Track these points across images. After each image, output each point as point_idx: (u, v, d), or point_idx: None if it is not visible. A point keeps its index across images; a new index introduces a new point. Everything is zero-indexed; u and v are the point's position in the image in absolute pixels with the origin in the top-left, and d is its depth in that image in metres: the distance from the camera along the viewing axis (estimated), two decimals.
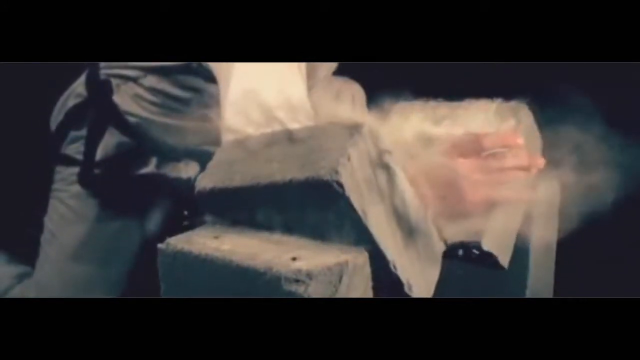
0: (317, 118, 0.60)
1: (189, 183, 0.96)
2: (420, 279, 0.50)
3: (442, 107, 0.65)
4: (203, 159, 0.59)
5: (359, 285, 0.45)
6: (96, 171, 0.96)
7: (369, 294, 0.46)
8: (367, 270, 0.46)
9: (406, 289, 0.48)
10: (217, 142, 0.60)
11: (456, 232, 0.55)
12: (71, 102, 0.99)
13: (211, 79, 0.71)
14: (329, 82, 1.01)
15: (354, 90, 1.09)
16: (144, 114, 0.94)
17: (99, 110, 0.96)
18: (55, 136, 1.01)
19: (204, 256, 0.46)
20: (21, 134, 1.18)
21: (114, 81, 0.95)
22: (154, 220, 0.99)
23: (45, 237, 1.02)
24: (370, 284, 0.46)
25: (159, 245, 0.49)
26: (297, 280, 0.41)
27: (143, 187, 0.98)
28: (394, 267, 0.47)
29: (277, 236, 0.49)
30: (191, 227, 0.53)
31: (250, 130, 0.57)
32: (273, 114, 0.57)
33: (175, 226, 0.82)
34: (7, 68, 0.93)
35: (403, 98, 0.65)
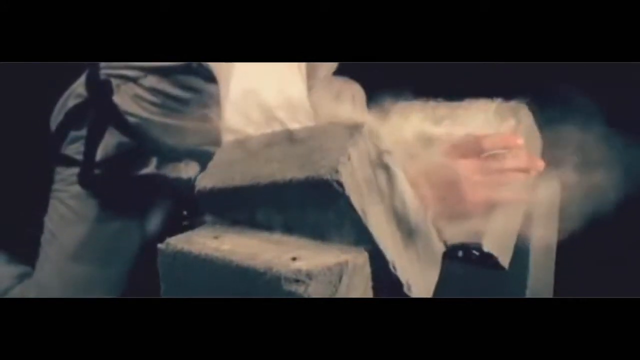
0: (317, 118, 0.60)
1: (189, 183, 0.96)
2: (419, 280, 0.50)
3: (442, 107, 0.65)
4: (203, 159, 0.59)
5: (359, 285, 0.45)
6: (96, 171, 0.96)
7: (369, 294, 0.46)
8: (367, 270, 0.46)
9: (405, 289, 0.48)
10: (217, 142, 0.60)
11: (456, 233, 0.55)
12: (71, 102, 0.99)
13: (211, 79, 0.71)
14: (329, 82, 1.01)
15: (354, 90, 1.09)
16: (144, 114, 0.94)
17: (99, 110, 0.96)
18: (55, 136, 1.01)
19: (204, 256, 0.46)
20: (21, 134, 1.18)
21: (114, 81, 0.95)
22: (154, 221, 1.00)
23: (45, 237, 1.02)
24: (370, 284, 0.46)
25: (159, 245, 0.49)
26: (297, 280, 0.41)
27: (143, 187, 0.98)
28: (394, 267, 0.47)
29: (277, 236, 0.49)
30: (191, 227, 0.53)
31: (250, 130, 0.57)
32: (273, 114, 0.57)
33: (175, 226, 0.82)
34: (7, 68, 0.93)
35: (403, 98, 0.65)
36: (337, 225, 0.46)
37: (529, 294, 0.66)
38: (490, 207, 0.55)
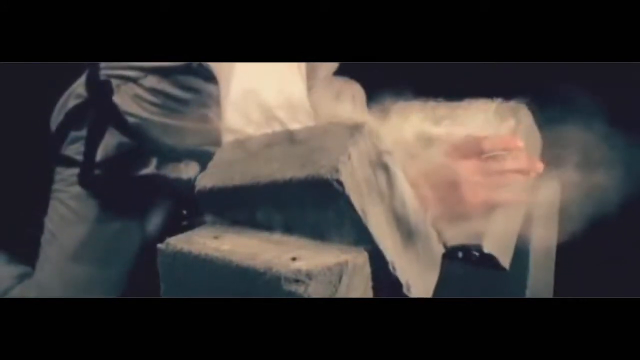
0: (317, 118, 0.60)
1: (189, 184, 0.96)
2: (419, 281, 0.50)
3: (441, 107, 0.65)
4: (203, 159, 0.59)
5: (359, 285, 0.45)
6: (96, 172, 0.96)
7: (369, 294, 0.46)
8: (367, 270, 0.46)
9: (405, 290, 0.48)
10: (217, 142, 0.60)
11: (456, 235, 0.55)
12: (71, 103, 0.99)
13: (211, 79, 0.71)
14: (329, 82, 1.01)
15: (354, 90, 1.09)
16: (144, 114, 0.94)
17: (99, 110, 0.96)
18: (55, 137, 1.01)
19: (203, 256, 0.46)
20: (21, 134, 1.18)
21: (114, 82, 0.95)
22: (154, 221, 1.00)
23: (45, 238, 1.02)
24: (370, 284, 0.46)
25: (159, 245, 0.49)
26: (297, 280, 0.41)
27: (143, 187, 0.98)
28: (393, 267, 0.47)
29: (277, 236, 0.49)
30: (191, 227, 0.53)
31: (251, 131, 0.57)
32: (273, 114, 0.57)
33: (175, 226, 0.82)
34: (7, 68, 0.93)
35: (403, 98, 0.65)
36: (337, 225, 0.46)
37: (529, 294, 0.66)
38: (490, 208, 0.55)
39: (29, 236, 1.05)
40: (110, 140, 0.96)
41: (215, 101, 0.65)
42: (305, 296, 0.41)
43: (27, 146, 1.17)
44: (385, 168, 0.49)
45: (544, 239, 0.66)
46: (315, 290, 0.41)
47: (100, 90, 0.95)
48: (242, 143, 0.55)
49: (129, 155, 0.96)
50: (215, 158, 0.56)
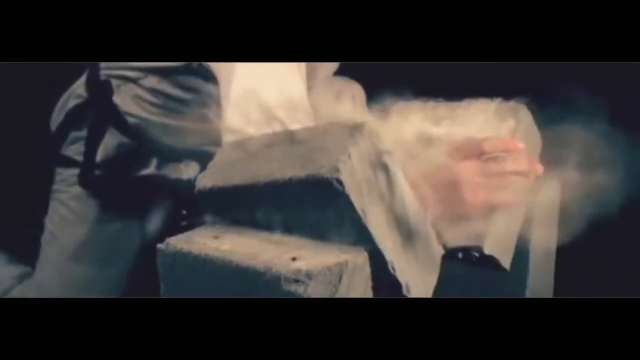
0: (317, 118, 0.60)
1: (189, 184, 0.96)
2: (418, 282, 0.50)
3: (441, 107, 0.65)
4: (203, 159, 0.59)
5: (358, 285, 0.45)
6: (96, 172, 0.96)
7: (369, 294, 0.46)
8: (367, 270, 0.46)
9: (404, 290, 0.48)
10: (217, 142, 0.60)
11: (457, 236, 0.55)
12: (71, 103, 0.99)
13: (211, 79, 0.71)
14: (329, 82, 1.01)
15: (355, 90, 1.09)
16: (144, 114, 0.94)
17: (99, 111, 0.96)
18: (55, 137, 1.01)
19: (203, 256, 0.46)
20: (21, 134, 1.18)
21: (114, 82, 0.95)
22: (154, 221, 1.00)
23: (45, 238, 1.02)
24: (370, 284, 0.46)
25: (159, 245, 0.49)
26: (296, 280, 0.41)
27: (143, 187, 0.98)
28: (393, 268, 0.47)
29: (277, 236, 0.49)
30: (191, 227, 0.53)
31: (251, 131, 0.57)
32: (273, 114, 0.57)
33: (175, 226, 0.82)
34: (7, 68, 0.93)
35: (403, 98, 0.65)
36: (336, 225, 0.46)
37: (529, 294, 0.66)
38: (490, 209, 0.55)
39: (29, 236, 1.05)
40: (110, 141, 0.96)
41: (215, 101, 0.65)
42: (305, 296, 0.41)
43: (27, 146, 1.17)
44: (385, 168, 0.49)
45: (544, 239, 0.66)
46: (315, 290, 0.41)
47: (101, 91, 0.95)
48: (242, 143, 0.55)
49: (129, 156, 0.96)
50: (216, 158, 0.56)
